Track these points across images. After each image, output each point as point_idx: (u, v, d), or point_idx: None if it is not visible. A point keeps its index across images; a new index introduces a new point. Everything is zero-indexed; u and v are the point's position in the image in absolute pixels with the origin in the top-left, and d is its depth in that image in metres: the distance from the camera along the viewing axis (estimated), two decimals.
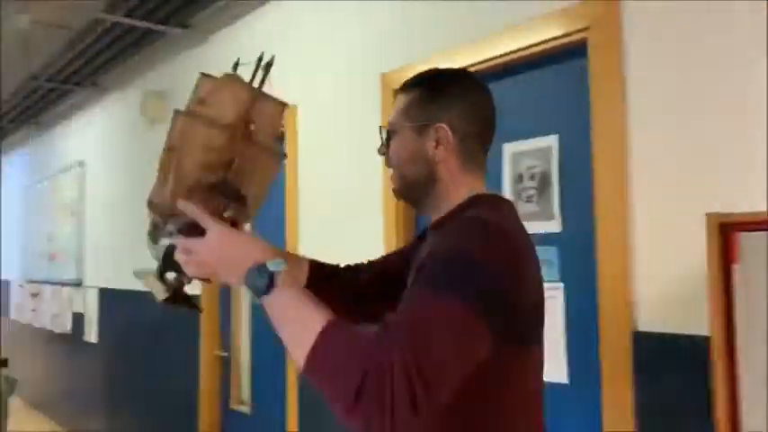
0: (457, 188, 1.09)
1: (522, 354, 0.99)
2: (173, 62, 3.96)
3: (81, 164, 5.34)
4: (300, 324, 0.87)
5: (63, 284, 5.61)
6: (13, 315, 7.09)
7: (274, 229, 2.87)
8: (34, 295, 6.43)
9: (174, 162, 1.03)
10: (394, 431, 0.78)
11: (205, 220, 0.99)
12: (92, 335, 5.02)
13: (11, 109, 5.42)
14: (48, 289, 6.01)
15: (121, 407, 4.64)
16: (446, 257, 0.93)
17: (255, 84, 1.07)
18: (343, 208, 2.63)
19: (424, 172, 1.09)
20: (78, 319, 5.27)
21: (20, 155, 7.28)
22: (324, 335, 0.84)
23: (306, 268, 1.26)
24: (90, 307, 5.07)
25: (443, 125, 1.07)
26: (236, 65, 1.09)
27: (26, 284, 6.66)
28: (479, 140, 1.11)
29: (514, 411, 0.99)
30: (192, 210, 1.00)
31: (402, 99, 1.13)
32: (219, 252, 0.97)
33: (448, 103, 1.08)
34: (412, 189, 1.12)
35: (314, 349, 0.84)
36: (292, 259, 1.27)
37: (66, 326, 5.51)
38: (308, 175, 2.82)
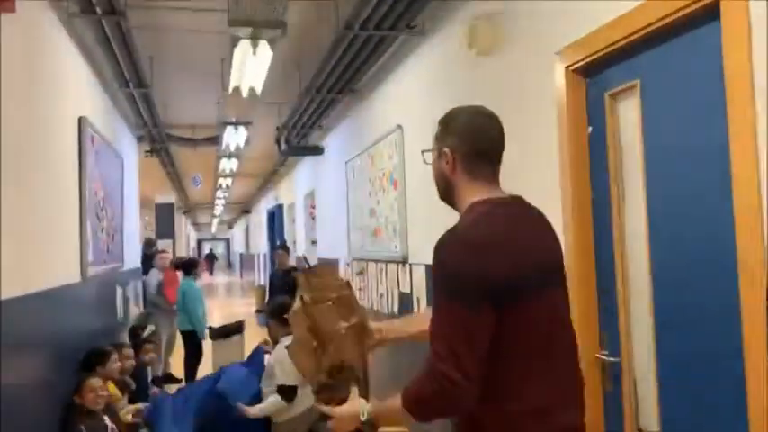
0: (466, 194, 1.61)
1: (504, 312, 1.44)
2: None
3: (399, 128, 4.78)
4: (394, 412, 1.57)
5: (388, 262, 5.17)
6: None
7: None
8: (359, 273, 6.19)
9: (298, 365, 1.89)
10: (458, 404, 1.44)
11: (327, 411, 1.74)
12: None
13: (326, 79, 5.11)
14: (373, 267, 5.68)
15: None
16: (434, 277, 1.50)
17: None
18: None
19: (444, 183, 1.66)
20: (406, 298, 4.75)
21: (337, 132, 7.20)
22: (403, 406, 1.53)
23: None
24: (417, 286, 4.49)
25: (446, 149, 1.62)
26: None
27: (352, 262, 6.49)
28: (479, 156, 1.61)
29: (510, 354, 1.46)
30: (322, 408, 1.77)
31: (436, 131, 1.69)
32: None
33: (450, 133, 1.63)
34: (443, 195, 1.70)
35: (409, 416, 1.51)
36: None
37: (393, 306, 5.05)
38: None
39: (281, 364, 3.81)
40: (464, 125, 1.63)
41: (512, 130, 1.71)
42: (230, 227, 35.52)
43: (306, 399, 3.96)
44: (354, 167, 6.29)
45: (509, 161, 1.69)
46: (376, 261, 5.52)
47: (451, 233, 1.51)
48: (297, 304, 1.79)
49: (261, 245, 18.39)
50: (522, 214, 1.61)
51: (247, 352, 6.79)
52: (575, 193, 2.48)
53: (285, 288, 7.22)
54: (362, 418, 1.65)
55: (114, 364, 3.93)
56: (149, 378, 5.06)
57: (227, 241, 41.88)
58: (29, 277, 3.00)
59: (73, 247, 3.95)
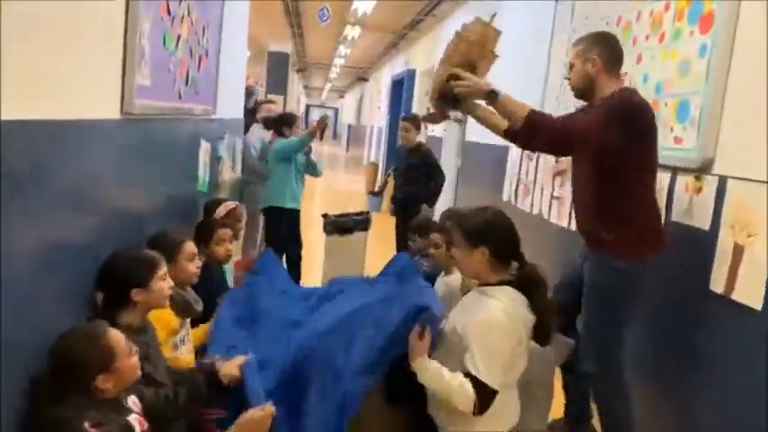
0: (605, 86, 2.42)
1: (637, 151, 2.32)
2: None
3: None
4: (518, 107, 2.37)
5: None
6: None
7: None
8: (558, 174, 4.03)
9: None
10: (563, 138, 2.33)
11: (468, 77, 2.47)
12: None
13: None
14: None
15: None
16: (608, 106, 2.31)
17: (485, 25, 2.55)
18: None
19: (588, 83, 2.46)
20: (693, 239, 2.59)
21: None
22: (530, 114, 2.33)
23: None
24: (736, 221, 2.30)
25: (594, 56, 2.43)
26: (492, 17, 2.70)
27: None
28: (613, 61, 2.46)
29: (634, 177, 2.34)
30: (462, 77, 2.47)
31: (576, 49, 2.51)
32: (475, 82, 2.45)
33: (595, 46, 2.44)
34: (582, 93, 2.51)
35: (528, 119, 2.32)
36: None
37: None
38: None
39: (477, 328, 1.87)
40: (605, 39, 2.51)
41: None
42: (341, 96, 33.60)
43: (509, 411, 2.03)
44: (576, 2, 3.95)
45: None
46: None
47: (623, 94, 2.39)
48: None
49: (376, 117, 16.40)
50: None
51: (370, 256, 4.95)
52: None
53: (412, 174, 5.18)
54: (488, 88, 2.44)
55: (161, 282, 2.05)
56: (227, 281, 3.21)
57: (336, 111, 40.19)
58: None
59: (108, 53, 2.01)
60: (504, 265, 2.03)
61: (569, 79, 2.54)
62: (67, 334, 1.61)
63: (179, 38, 2.74)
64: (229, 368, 2.06)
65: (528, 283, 1.99)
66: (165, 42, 2.51)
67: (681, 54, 2.75)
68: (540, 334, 1.99)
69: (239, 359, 2.10)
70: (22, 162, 1.45)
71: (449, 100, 2.56)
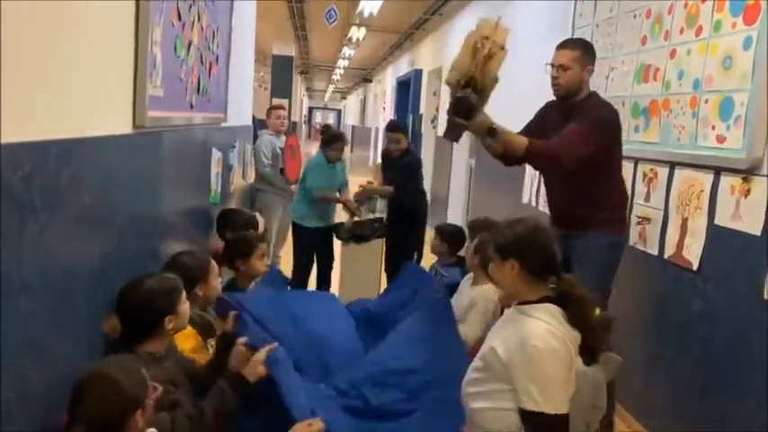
0: (586, 88, 2.71)
1: (614, 150, 2.74)
2: None
3: None
4: (516, 141, 2.59)
5: (690, 166, 2.78)
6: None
7: None
8: None
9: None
10: (560, 161, 2.55)
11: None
12: None
13: None
14: (627, 169, 3.33)
15: None
16: (588, 120, 2.59)
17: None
18: None
19: (577, 85, 2.67)
20: (742, 246, 2.44)
21: None
22: (529, 144, 2.57)
23: None
24: None
25: (590, 66, 2.71)
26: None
27: None
28: (593, 68, 2.76)
29: (613, 170, 2.78)
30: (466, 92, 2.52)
31: (570, 50, 2.69)
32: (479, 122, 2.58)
33: (587, 56, 2.70)
34: (569, 93, 2.70)
35: (528, 148, 2.57)
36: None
37: (697, 251, 2.75)
38: None
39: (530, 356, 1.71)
40: (592, 49, 2.78)
41: None
42: (343, 97, 33.45)
43: None
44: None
45: None
46: (649, 161, 3.15)
47: (602, 105, 2.74)
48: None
49: (381, 118, 16.27)
50: None
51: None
52: None
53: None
54: (492, 125, 2.57)
55: (185, 304, 1.94)
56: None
57: (339, 112, 40.06)
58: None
59: (119, 62, 1.86)
60: (540, 280, 1.87)
61: (557, 79, 2.68)
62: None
63: (190, 44, 2.60)
64: (253, 368, 1.90)
65: (565, 299, 1.83)
66: (176, 49, 2.36)
67: (722, 48, 2.59)
68: (586, 352, 1.83)
69: (261, 355, 1.93)
70: (30, 188, 1.31)
71: (461, 111, 2.50)
